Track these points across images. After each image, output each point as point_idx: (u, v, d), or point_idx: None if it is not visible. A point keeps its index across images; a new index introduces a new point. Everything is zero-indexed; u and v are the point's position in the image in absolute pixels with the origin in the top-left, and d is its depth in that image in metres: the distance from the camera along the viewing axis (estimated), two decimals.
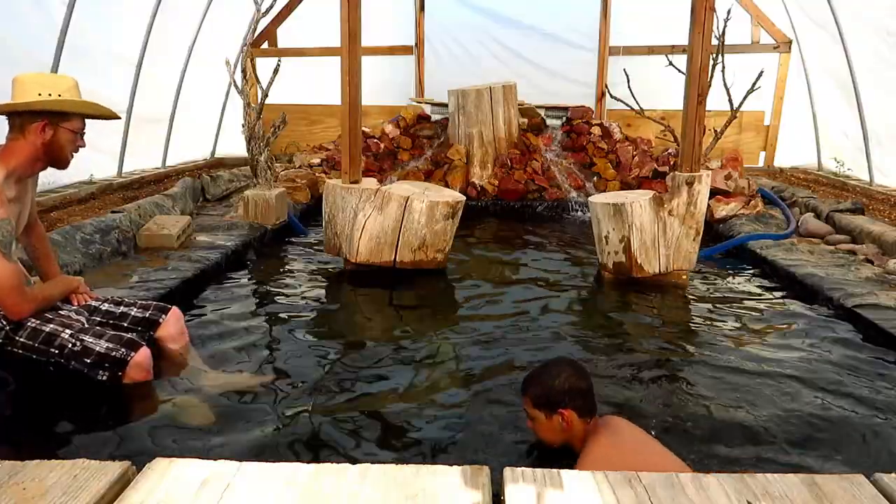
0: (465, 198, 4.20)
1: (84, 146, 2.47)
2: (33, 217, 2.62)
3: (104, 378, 2.36)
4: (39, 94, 2.29)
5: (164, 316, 2.74)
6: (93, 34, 5.54)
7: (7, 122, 2.35)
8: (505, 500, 1.30)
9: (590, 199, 4.11)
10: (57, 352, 2.36)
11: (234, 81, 5.15)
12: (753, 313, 3.53)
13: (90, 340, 2.38)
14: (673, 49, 7.08)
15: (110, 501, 1.29)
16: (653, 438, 1.95)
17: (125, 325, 2.66)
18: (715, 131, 5.91)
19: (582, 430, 1.93)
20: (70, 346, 2.36)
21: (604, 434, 1.90)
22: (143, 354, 2.41)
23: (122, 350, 2.37)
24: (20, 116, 2.31)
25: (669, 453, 1.85)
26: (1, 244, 2.19)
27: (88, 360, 2.35)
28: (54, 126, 2.33)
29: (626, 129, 7.46)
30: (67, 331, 2.39)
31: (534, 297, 3.82)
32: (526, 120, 7.04)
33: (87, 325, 2.50)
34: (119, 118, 2.63)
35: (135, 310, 2.71)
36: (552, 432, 1.94)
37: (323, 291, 3.90)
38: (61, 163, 2.43)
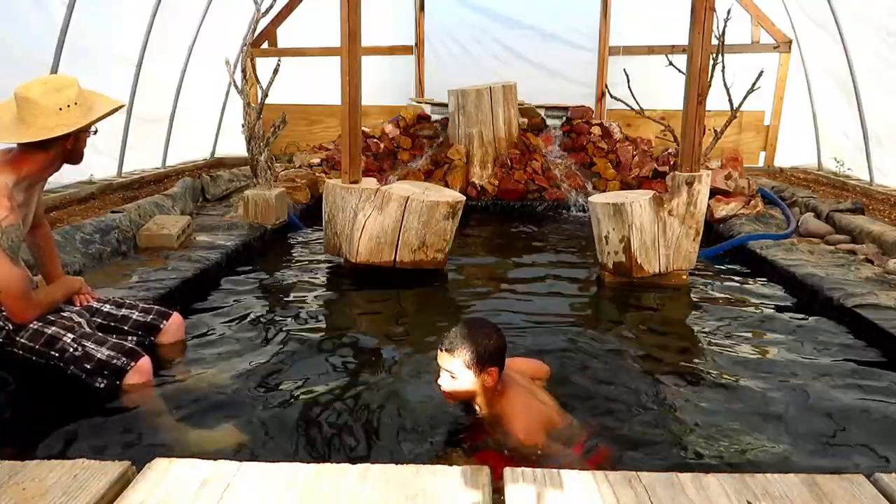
0: (465, 198, 4.19)
1: (94, 133, 2.46)
2: (39, 216, 2.62)
3: (101, 385, 2.35)
4: (60, 110, 2.26)
5: (165, 322, 2.74)
6: (93, 34, 5.53)
7: None
8: (505, 500, 1.30)
9: (590, 199, 4.11)
10: (57, 355, 2.36)
11: (234, 81, 5.15)
12: (753, 313, 3.53)
13: (92, 346, 2.37)
14: (673, 49, 7.08)
15: (110, 501, 1.29)
16: (542, 390, 2.24)
17: (126, 328, 2.66)
18: (715, 131, 5.91)
19: (494, 387, 2.06)
20: (71, 350, 2.36)
21: (514, 392, 2.09)
22: (144, 363, 2.40)
23: (123, 359, 2.37)
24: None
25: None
26: (10, 249, 2.19)
27: (88, 366, 2.35)
28: (76, 134, 2.33)
29: (626, 129, 7.46)
30: (70, 334, 2.39)
31: (533, 297, 3.82)
32: (526, 120, 7.04)
33: (88, 329, 2.49)
34: (123, 105, 2.60)
35: (136, 313, 2.71)
36: (470, 390, 2.04)
37: (323, 291, 3.90)
38: (78, 160, 2.44)
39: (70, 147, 2.34)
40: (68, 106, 2.28)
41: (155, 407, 2.37)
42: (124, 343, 2.45)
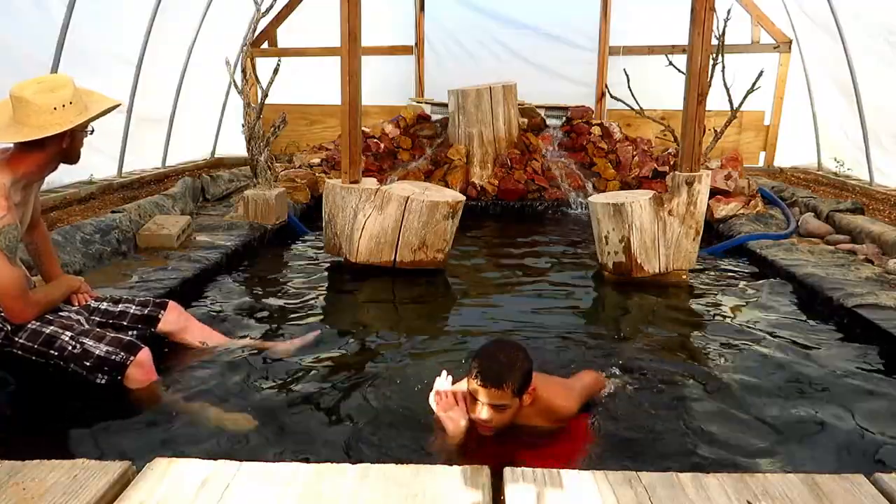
0: (465, 198, 4.19)
1: (91, 133, 2.47)
2: (36, 216, 2.62)
3: (103, 381, 2.36)
4: (55, 109, 2.25)
5: (162, 312, 2.75)
6: (93, 34, 5.54)
7: None
8: (505, 500, 1.30)
9: (589, 199, 4.11)
10: (56, 354, 2.36)
11: (234, 81, 5.14)
12: (752, 313, 3.53)
13: (90, 343, 2.38)
14: (673, 49, 7.08)
15: (110, 501, 1.29)
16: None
17: (125, 323, 2.67)
18: (715, 131, 5.90)
19: None
20: (70, 348, 2.36)
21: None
22: (144, 356, 2.41)
23: (122, 354, 2.37)
24: None
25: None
26: (7, 249, 2.19)
27: (88, 363, 2.35)
28: (72, 133, 2.33)
29: (626, 129, 7.46)
30: (67, 332, 2.39)
31: (534, 297, 3.82)
32: (526, 120, 7.04)
33: (87, 327, 2.50)
34: (118, 103, 2.61)
35: (133, 307, 2.72)
36: (514, 412, 1.99)
37: (323, 291, 3.90)
38: (74, 160, 2.44)
39: (66, 146, 2.34)
40: (63, 106, 2.27)
41: (160, 393, 2.40)
42: (122, 337, 2.45)
